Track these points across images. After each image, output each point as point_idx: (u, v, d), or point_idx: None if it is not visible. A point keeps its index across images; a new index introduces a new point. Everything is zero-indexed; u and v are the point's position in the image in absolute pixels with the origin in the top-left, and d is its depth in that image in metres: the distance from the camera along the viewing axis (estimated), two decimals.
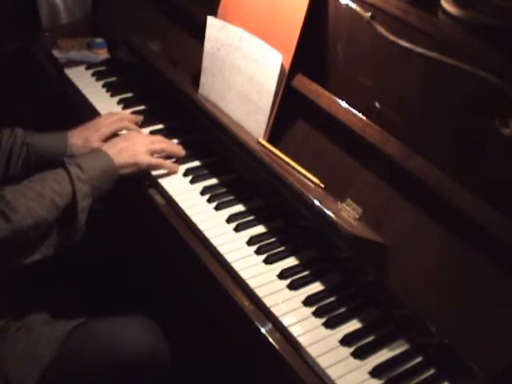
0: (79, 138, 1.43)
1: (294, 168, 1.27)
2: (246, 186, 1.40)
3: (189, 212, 1.31)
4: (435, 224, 1.07)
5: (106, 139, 1.45)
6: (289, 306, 1.14)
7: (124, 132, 1.50)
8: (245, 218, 1.32)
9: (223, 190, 1.40)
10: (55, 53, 1.84)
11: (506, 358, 0.95)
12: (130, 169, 1.34)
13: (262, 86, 1.34)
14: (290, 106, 1.33)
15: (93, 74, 1.79)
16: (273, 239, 1.28)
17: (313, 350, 1.06)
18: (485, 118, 1.03)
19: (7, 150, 1.36)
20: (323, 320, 1.12)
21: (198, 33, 1.50)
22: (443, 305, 1.03)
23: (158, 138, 1.46)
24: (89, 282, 1.55)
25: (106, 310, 1.29)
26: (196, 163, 1.47)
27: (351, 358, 1.07)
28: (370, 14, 1.19)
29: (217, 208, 1.34)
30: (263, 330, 1.10)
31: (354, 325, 1.13)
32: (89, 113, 1.56)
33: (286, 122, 1.34)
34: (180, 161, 1.46)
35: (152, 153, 1.39)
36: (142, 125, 1.57)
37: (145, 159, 1.37)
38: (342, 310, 1.15)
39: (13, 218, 1.11)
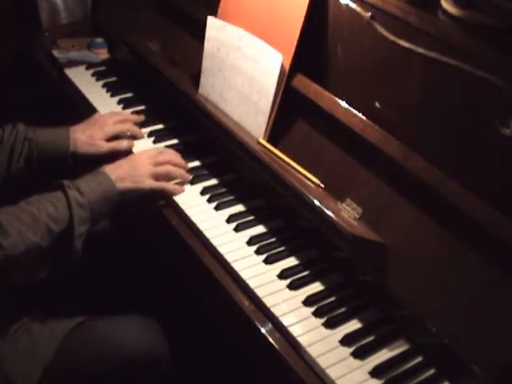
0: (83, 133, 1.42)
1: (294, 168, 1.27)
2: (246, 186, 1.40)
3: (189, 212, 1.31)
4: (435, 224, 1.07)
5: (109, 140, 1.45)
6: (289, 305, 1.14)
7: (126, 133, 1.51)
8: (245, 218, 1.32)
9: (223, 189, 1.40)
10: (55, 53, 1.84)
11: (506, 358, 0.95)
12: (132, 194, 1.29)
13: (261, 86, 1.34)
14: (289, 106, 1.33)
15: (93, 74, 1.79)
16: (273, 239, 1.28)
17: (313, 350, 1.06)
18: (485, 118, 1.03)
19: (9, 145, 1.35)
20: (323, 320, 1.12)
21: (198, 33, 1.50)
22: (443, 305, 1.03)
23: (165, 156, 1.39)
24: (88, 281, 1.55)
25: (106, 310, 1.29)
26: (196, 163, 1.47)
27: (351, 358, 1.07)
28: (369, 14, 1.19)
29: (217, 208, 1.34)
30: (263, 330, 1.10)
31: (353, 325, 1.13)
32: (89, 113, 1.56)
33: (286, 122, 1.34)
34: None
35: (156, 176, 1.34)
36: (142, 125, 1.57)
37: (147, 185, 1.31)
38: (342, 309, 1.15)
39: (4, 243, 1.07)
